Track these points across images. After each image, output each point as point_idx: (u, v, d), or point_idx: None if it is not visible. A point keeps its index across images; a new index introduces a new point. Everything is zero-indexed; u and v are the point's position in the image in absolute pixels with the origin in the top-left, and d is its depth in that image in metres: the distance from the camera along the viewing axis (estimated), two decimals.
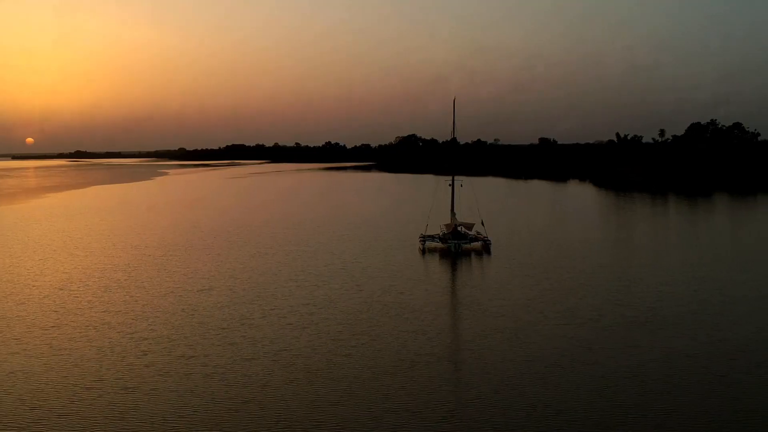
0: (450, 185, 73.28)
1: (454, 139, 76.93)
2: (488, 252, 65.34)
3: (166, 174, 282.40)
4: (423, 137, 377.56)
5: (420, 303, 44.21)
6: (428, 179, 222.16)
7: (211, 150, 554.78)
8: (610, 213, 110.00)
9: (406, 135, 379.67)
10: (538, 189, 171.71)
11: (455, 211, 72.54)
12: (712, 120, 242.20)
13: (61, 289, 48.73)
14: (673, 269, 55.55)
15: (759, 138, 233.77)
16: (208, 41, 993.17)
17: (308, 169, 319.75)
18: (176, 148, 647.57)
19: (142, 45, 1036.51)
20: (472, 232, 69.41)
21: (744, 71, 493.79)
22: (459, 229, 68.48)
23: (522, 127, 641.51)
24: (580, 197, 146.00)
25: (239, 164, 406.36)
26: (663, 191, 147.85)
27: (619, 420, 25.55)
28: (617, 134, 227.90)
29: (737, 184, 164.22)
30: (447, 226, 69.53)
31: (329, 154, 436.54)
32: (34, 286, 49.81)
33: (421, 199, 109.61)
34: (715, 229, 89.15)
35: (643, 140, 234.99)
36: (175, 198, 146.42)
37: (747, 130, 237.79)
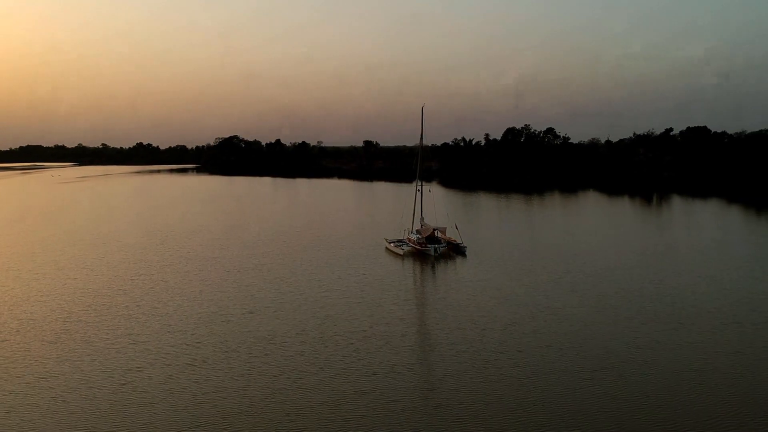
0: (418, 190, 72.15)
1: (422, 145, 75.85)
2: (464, 255, 65.24)
3: None
4: (245, 139, 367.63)
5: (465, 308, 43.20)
6: (270, 182, 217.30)
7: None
8: (503, 214, 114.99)
9: (227, 136, 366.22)
10: (408, 191, 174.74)
11: (423, 215, 71.80)
12: (525, 125, 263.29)
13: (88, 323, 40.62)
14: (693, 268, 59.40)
15: (569, 141, 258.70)
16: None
17: (137, 172, 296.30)
18: None
19: None
20: (446, 237, 69.04)
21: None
22: (436, 233, 67.77)
23: (344, 129, 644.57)
24: (461, 197, 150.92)
25: (43, 167, 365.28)
26: (494, 189, 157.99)
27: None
28: (463, 137, 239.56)
29: (558, 181, 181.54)
30: (423, 230, 68.41)
31: (142, 156, 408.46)
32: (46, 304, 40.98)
33: (332, 204, 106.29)
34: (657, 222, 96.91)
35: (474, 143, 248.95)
36: (44, 206, 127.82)
37: (558, 134, 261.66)
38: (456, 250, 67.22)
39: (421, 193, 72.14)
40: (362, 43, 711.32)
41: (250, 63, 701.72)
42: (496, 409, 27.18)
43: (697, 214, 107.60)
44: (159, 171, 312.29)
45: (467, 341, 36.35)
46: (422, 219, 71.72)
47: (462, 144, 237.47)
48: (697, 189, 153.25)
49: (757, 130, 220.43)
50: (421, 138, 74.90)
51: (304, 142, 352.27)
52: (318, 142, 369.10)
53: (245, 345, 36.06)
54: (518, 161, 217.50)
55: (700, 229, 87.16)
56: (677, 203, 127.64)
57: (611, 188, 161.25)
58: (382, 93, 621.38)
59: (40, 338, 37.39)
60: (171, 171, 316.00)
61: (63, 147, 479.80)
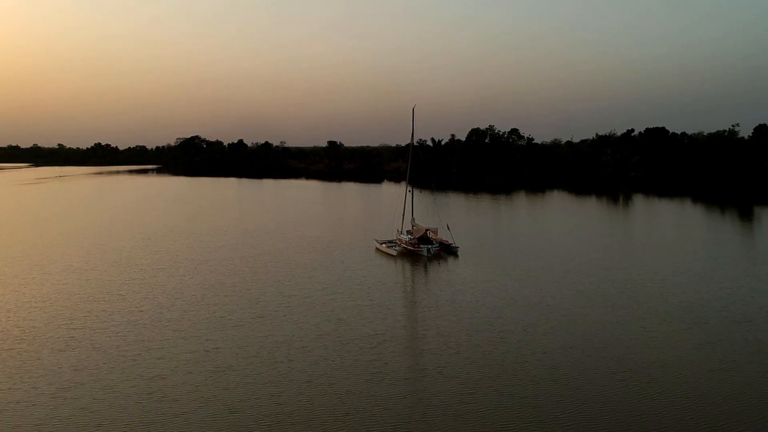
0: (410, 191, 72.01)
1: (412, 145, 75.69)
2: (456, 256, 65.29)
3: None
4: (207, 139, 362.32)
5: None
6: (238, 183, 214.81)
7: None
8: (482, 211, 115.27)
9: (188, 136, 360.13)
10: (377, 191, 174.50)
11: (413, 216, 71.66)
12: (490, 126, 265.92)
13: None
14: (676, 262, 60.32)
15: (533, 141, 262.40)
16: None
17: (97, 173, 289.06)
18: None
19: None
20: (437, 237, 68.99)
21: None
22: (428, 234, 67.66)
23: (306, 130, 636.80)
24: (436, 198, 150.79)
25: None
26: (466, 189, 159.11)
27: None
28: (432, 138, 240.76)
29: (527, 182, 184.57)
30: (415, 231, 68.21)
31: (100, 156, 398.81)
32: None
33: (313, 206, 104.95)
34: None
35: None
36: (9, 208, 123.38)
37: (522, 135, 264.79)
38: (447, 250, 67.19)
39: (412, 194, 71.97)
40: (317, 43, 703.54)
41: (209, 63, 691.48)
42: (539, 413, 27.01)
43: (671, 214, 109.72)
44: (118, 172, 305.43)
45: (490, 343, 36.19)
46: (413, 219, 71.59)
47: (431, 144, 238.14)
48: (663, 189, 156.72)
49: (715, 131, 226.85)
50: (412, 139, 74.87)
51: (267, 142, 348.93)
52: (281, 142, 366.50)
53: (266, 350, 35.27)
54: (486, 162, 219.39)
55: (681, 228, 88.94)
56: (648, 203, 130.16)
57: (580, 188, 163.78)
58: (344, 93, 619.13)
59: (48, 347, 35.94)
60: (131, 172, 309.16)
61: (17, 147, 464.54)
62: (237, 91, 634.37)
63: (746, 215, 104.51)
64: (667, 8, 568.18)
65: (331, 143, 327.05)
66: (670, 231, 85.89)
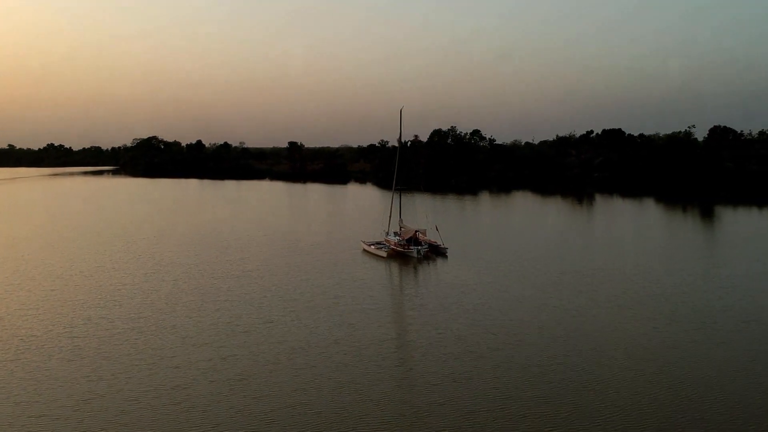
0: (398, 192, 71.72)
1: (400, 146, 75.32)
2: (445, 257, 65.33)
3: None
4: (165, 139, 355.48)
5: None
6: (202, 184, 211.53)
7: None
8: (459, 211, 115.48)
9: (145, 137, 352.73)
10: (353, 192, 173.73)
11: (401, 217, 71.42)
12: (452, 127, 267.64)
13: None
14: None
15: (495, 142, 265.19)
16: None
17: (52, 174, 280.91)
18: None
19: None
20: (426, 238, 68.88)
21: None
22: (417, 235, 67.48)
23: (268, 131, 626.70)
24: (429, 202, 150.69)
25: None
26: (433, 190, 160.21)
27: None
28: (398, 139, 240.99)
29: (493, 182, 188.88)
30: (404, 232, 67.95)
31: (54, 157, 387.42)
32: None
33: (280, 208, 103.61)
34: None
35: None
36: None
37: (484, 136, 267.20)
38: (436, 251, 67.10)
39: (400, 196, 71.71)
40: (274, 43, 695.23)
41: (164, 62, 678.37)
42: (582, 417, 26.92)
43: (640, 215, 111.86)
44: (74, 173, 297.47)
45: (510, 347, 36.10)
46: (401, 221, 71.31)
47: (396, 145, 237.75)
48: (626, 189, 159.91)
49: (670, 132, 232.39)
50: (400, 140, 74.51)
51: (226, 143, 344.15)
52: (240, 143, 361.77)
53: (284, 357, 34.52)
54: (451, 162, 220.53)
55: (656, 228, 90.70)
56: (614, 204, 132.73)
57: (545, 189, 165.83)
58: (302, 93, 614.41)
59: (55, 357, 34.49)
60: (88, 173, 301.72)
61: None
62: (193, 91, 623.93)
63: (709, 215, 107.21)
64: (626, 16, 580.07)
65: (292, 144, 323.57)
66: (647, 231, 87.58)
